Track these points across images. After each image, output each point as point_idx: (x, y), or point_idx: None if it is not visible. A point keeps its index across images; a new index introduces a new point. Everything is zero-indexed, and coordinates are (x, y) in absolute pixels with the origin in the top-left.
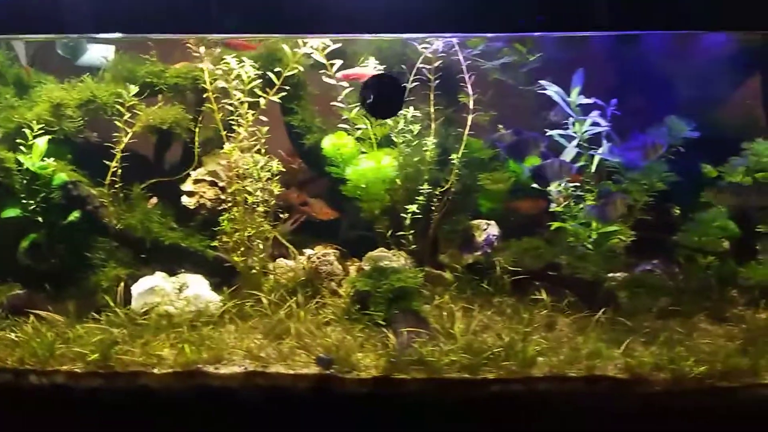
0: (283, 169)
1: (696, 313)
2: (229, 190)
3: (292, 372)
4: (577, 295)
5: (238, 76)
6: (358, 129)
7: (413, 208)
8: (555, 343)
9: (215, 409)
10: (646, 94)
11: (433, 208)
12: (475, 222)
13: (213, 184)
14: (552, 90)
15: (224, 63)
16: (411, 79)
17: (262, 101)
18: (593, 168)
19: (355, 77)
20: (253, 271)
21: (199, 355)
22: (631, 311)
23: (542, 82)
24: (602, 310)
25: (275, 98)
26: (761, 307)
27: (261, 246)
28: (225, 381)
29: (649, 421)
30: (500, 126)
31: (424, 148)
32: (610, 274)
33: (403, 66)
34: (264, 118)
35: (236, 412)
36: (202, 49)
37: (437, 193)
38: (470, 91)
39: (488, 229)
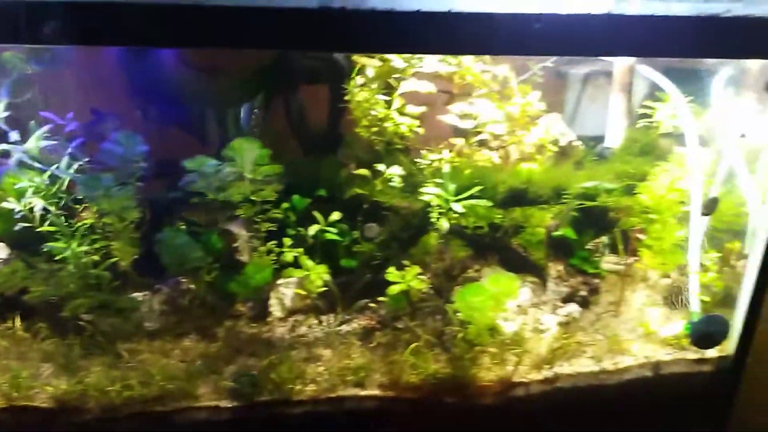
0: None
1: (184, 331)
2: None
3: None
4: (47, 320)
5: None
6: None
7: None
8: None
9: None
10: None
11: None
12: None
13: None
14: None
15: None
16: None
17: None
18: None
19: None
20: None
21: None
22: (106, 335)
23: None
24: (66, 335)
25: None
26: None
27: None
28: None
29: None
30: None
31: None
32: (135, 295)
33: None
34: None
35: None
36: None
37: None
38: None
39: None
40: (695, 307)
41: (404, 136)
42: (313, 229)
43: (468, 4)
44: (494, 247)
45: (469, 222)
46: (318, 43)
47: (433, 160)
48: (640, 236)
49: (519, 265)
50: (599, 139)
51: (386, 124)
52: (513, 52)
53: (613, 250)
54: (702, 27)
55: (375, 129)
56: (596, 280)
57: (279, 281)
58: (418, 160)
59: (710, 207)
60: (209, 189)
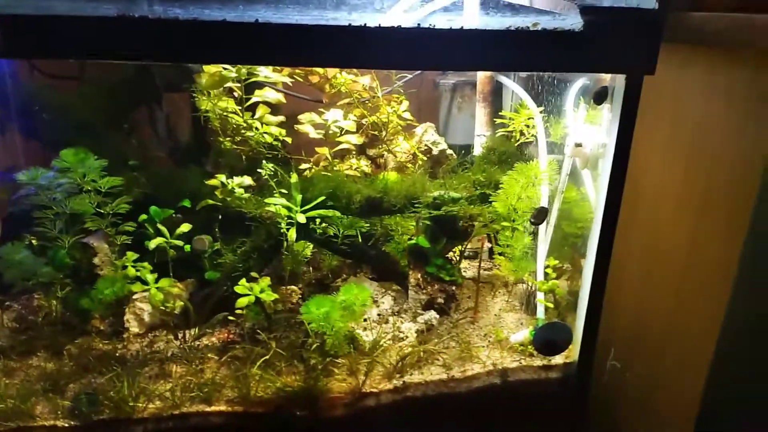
0: None
1: (31, 349)
2: None
3: None
4: None
5: None
6: None
7: None
8: None
9: None
10: None
11: None
12: None
13: None
14: None
15: None
16: None
17: None
18: None
19: None
20: None
21: None
22: None
23: None
24: None
25: None
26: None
27: None
28: None
29: None
30: None
31: None
32: None
33: None
34: None
35: None
36: None
37: None
38: None
39: None
40: (540, 313)
41: (272, 145)
42: (154, 243)
43: (278, 17)
44: (364, 256)
45: (339, 231)
46: (119, 52)
47: (278, 171)
48: (487, 244)
49: (386, 273)
50: (470, 148)
51: (249, 134)
52: (324, 63)
53: (470, 257)
54: (510, 41)
55: (238, 138)
56: (453, 288)
57: (135, 296)
58: (260, 170)
59: (539, 217)
60: (50, 202)
